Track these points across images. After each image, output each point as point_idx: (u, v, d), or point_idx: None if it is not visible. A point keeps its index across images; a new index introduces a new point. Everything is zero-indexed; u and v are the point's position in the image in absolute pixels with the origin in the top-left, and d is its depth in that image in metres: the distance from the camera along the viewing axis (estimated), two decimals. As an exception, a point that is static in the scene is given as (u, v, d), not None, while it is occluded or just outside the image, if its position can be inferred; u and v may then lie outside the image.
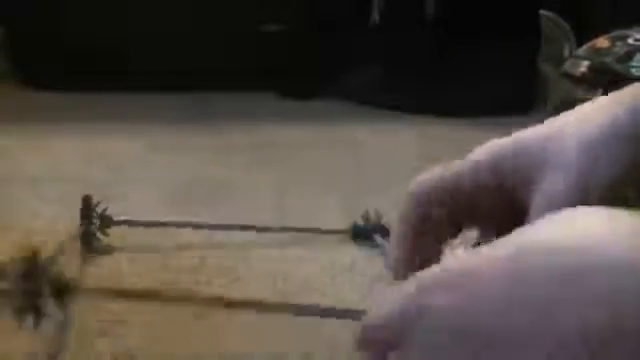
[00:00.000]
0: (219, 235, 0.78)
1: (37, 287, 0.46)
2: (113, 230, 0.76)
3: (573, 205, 0.42)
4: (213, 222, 0.80)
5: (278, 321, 0.57)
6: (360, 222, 0.77)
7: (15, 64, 1.65)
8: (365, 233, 0.76)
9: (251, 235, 0.78)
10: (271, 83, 1.60)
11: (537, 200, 0.45)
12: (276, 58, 1.59)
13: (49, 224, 0.80)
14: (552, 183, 0.47)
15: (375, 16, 1.55)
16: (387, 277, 0.63)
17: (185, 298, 0.54)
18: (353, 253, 0.74)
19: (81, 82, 1.57)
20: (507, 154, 0.45)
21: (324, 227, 0.80)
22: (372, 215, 0.77)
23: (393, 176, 0.84)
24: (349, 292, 0.65)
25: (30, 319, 0.45)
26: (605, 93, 0.64)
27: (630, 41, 0.65)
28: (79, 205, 0.86)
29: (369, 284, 0.66)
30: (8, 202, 0.89)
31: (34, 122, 1.32)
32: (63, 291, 0.47)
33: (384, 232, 0.74)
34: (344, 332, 0.52)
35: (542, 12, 1.42)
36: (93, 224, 0.75)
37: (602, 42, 0.66)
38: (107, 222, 0.76)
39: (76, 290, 0.47)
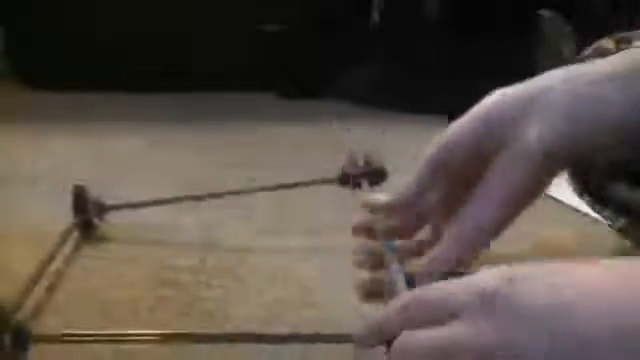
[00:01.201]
0: (219, 235, 0.78)
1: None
2: (112, 230, 0.76)
3: (561, 148, 0.51)
4: (213, 222, 0.80)
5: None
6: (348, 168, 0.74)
7: (15, 64, 1.65)
8: (353, 179, 0.73)
9: (251, 235, 0.78)
10: (271, 83, 1.60)
11: (517, 146, 0.51)
12: (276, 58, 1.60)
13: (49, 224, 0.80)
14: (540, 128, 0.50)
15: (375, 16, 1.55)
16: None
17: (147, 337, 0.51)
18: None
19: (81, 82, 1.57)
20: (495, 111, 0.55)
21: (324, 226, 0.80)
22: (360, 161, 0.74)
23: (393, 176, 0.84)
24: (349, 293, 0.65)
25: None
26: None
27: (638, 44, 0.64)
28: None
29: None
30: (8, 202, 0.88)
31: (34, 122, 1.32)
32: (24, 341, 0.46)
33: (372, 177, 0.72)
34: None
35: (542, 12, 1.42)
36: (89, 213, 0.75)
37: (607, 44, 0.66)
38: (103, 209, 0.76)
39: (37, 339, 0.47)
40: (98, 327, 0.57)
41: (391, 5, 1.55)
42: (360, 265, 0.57)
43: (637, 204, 0.63)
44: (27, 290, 0.57)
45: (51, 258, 0.64)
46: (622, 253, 0.72)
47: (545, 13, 1.42)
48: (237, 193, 0.79)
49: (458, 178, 0.55)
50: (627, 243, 0.71)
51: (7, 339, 0.46)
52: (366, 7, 1.57)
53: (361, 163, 0.74)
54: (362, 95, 1.52)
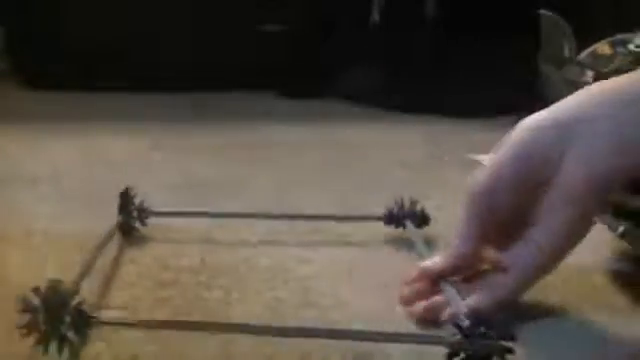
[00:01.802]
0: (219, 235, 0.78)
1: (60, 316, 0.49)
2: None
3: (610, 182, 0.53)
4: (213, 221, 0.80)
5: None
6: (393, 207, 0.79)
7: (15, 64, 1.65)
8: (397, 219, 0.78)
9: (251, 235, 0.78)
10: (271, 83, 1.60)
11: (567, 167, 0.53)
12: (276, 58, 1.59)
13: (49, 224, 0.80)
14: (585, 162, 0.51)
15: (375, 16, 1.55)
16: (388, 280, 0.62)
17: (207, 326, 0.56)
18: (354, 253, 0.74)
19: (81, 82, 1.57)
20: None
21: (325, 226, 0.80)
22: (406, 202, 0.79)
23: (393, 176, 0.84)
24: (349, 293, 0.65)
25: (54, 346, 0.49)
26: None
27: (631, 47, 0.64)
28: (79, 205, 0.87)
29: (371, 285, 0.66)
30: (8, 202, 0.88)
31: (34, 122, 1.32)
32: (84, 320, 0.50)
33: (415, 219, 0.77)
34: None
35: (542, 12, 1.42)
36: (132, 216, 0.78)
37: (603, 48, 0.66)
38: (145, 213, 0.78)
39: (95, 320, 0.51)
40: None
41: (391, 5, 1.55)
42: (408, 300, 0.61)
43: (636, 209, 0.63)
44: (80, 278, 0.58)
45: (95, 257, 0.64)
46: (625, 252, 0.72)
47: (545, 13, 1.42)
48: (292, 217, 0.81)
49: (504, 218, 0.57)
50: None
51: (68, 321, 0.49)
52: (366, 7, 1.56)
53: (407, 205, 0.79)
54: (362, 95, 1.52)
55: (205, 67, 1.61)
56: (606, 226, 0.68)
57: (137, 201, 0.78)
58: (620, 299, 0.64)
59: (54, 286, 0.49)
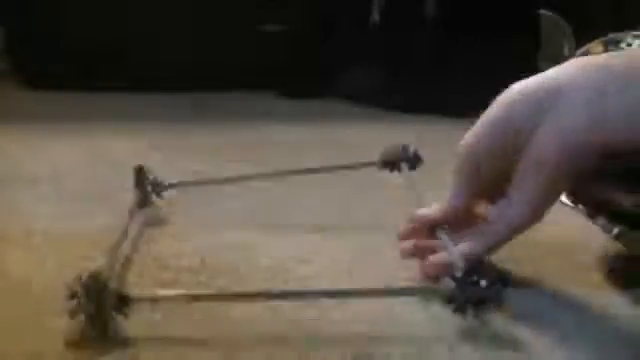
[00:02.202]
0: (219, 234, 0.78)
1: (102, 300, 0.55)
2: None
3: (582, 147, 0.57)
4: (213, 221, 0.80)
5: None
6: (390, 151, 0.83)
7: (15, 64, 1.65)
8: (393, 161, 0.83)
9: (251, 235, 0.78)
10: (271, 83, 1.60)
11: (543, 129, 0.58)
12: (276, 58, 1.59)
13: (49, 224, 0.80)
14: (560, 127, 0.57)
15: (375, 16, 1.55)
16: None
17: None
18: (354, 253, 0.74)
19: (81, 82, 1.57)
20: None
21: (326, 226, 0.80)
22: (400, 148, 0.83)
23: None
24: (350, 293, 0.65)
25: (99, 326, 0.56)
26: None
27: (623, 46, 0.64)
28: (79, 205, 0.87)
29: (371, 285, 0.66)
30: (8, 202, 0.88)
31: (34, 122, 1.32)
32: (123, 302, 0.56)
33: (412, 162, 0.82)
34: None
35: (542, 12, 1.42)
36: (147, 190, 0.84)
37: (596, 47, 0.66)
38: (160, 187, 0.85)
39: (135, 300, 0.57)
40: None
41: (391, 5, 1.55)
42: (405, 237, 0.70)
43: (630, 211, 0.63)
44: (113, 257, 0.65)
45: (121, 241, 0.70)
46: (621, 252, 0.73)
47: (545, 13, 1.42)
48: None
49: (489, 177, 0.64)
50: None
51: (109, 301, 0.56)
52: (366, 7, 1.56)
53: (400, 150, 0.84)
54: (362, 95, 1.52)
55: (205, 67, 1.61)
56: (600, 228, 0.68)
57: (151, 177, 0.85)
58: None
59: (93, 274, 0.56)
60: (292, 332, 0.57)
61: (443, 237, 0.65)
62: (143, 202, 0.83)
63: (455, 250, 0.62)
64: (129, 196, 0.81)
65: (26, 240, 0.76)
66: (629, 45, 0.64)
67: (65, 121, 1.33)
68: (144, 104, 1.48)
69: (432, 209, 0.68)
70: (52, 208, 0.86)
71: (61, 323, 0.57)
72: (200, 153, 1.12)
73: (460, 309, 0.57)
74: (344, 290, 0.63)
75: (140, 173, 0.84)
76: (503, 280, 0.57)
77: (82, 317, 0.55)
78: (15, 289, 0.64)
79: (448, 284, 0.57)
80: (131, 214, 0.77)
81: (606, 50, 0.65)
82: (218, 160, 1.09)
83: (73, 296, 0.56)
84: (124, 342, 0.56)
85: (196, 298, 0.60)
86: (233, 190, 0.92)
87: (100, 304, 0.56)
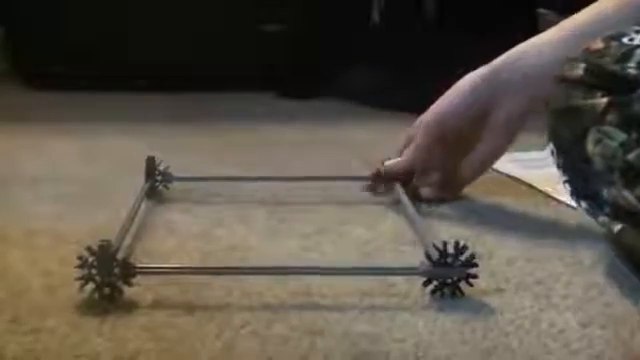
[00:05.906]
0: (219, 234, 0.78)
1: (110, 269, 0.60)
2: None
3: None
4: (213, 221, 0.80)
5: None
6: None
7: (15, 64, 1.65)
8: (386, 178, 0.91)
9: (252, 234, 0.78)
10: (271, 83, 1.60)
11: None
12: (276, 58, 1.60)
13: (49, 224, 0.80)
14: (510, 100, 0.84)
15: (375, 16, 1.55)
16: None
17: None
18: (355, 254, 0.75)
19: (81, 82, 1.57)
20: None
21: (325, 226, 0.80)
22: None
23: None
24: (350, 293, 0.65)
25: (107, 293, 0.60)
26: (603, 96, 0.65)
27: (625, 41, 0.64)
28: (79, 205, 0.87)
29: (371, 285, 0.66)
30: (8, 202, 0.89)
31: (34, 122, 1.32)
32: (129, 272, 0.61)
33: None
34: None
35: (541, 11, 1.42)
36: (157, 180, 0.90)
37: (597, 43, 0.66)
38: (169, 178, 0.91)
39: (140, 269, 0.62)
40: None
41: (391, 5, 1.55)
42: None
43: (632, 209, 0.63)
44: (122, 235, 0.69)
45: (135, 213, 0.77)
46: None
47: (544, 12, 1.42)
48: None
49: (452, 141, 0.86)
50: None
51: (116, 271, 0.60)
52: (366, 7, 1.57)
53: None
54: (362, 95, 1.52)
55: (204, 67, 1.61)
56: (602, 225, 0.68)
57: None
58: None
59: (103, 245, 0.60)
60: (293, 333, 0.57)
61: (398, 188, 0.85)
62: (152, 191, 0.89)
63: (429, 241, 0.66)
64: (129, 196, 0.81)
65: (26, 240, 0.76)
66: (631, 40, 0.64)
67: (65, 121, 1.33)
68: (144, 104, 1.48)
69: (398, 161, 0.89)
70: (52, 208, 0.86)
71: (61, 323, 0.57)
72: (200, 153, 1.12)
73: (438, 288, 0.63)
74: (328, 268, 0.67)
75: (151, 163, 0.90)
76: (474, 262, 0.62)
77: (91, 285, 0.60)
78: (15, 289, 0.64)
79: (426, 265, 0.63)
80: (140, 198, 0.81)
81: (607, 46, 0.65)
82: (218, 160, 1.09)
83: (83, 264, 0.60)
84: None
85: (199, 271, 0.66)
86: (234, 190, 0.92)
87: (108, 273, 0.60)
